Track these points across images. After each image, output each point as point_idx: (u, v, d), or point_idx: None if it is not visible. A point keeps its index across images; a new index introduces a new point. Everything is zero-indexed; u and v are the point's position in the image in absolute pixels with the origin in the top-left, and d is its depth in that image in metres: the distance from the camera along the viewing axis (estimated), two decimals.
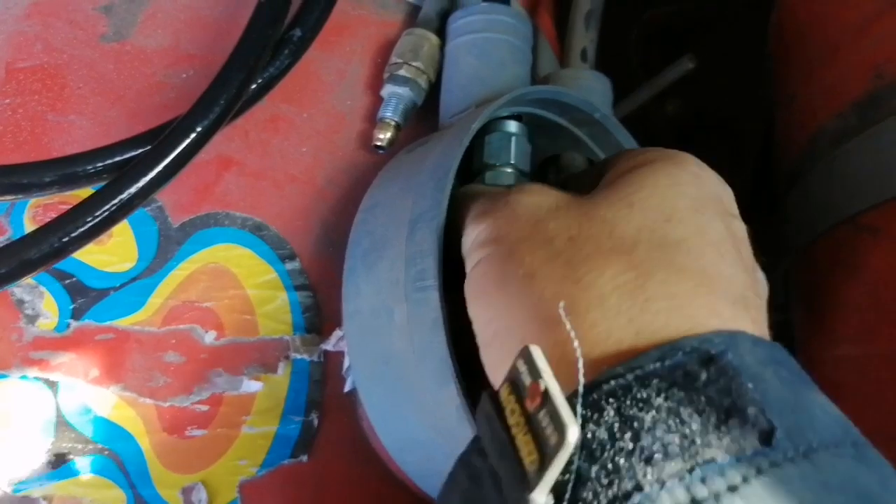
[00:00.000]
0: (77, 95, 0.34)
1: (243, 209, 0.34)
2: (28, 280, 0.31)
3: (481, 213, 0.26)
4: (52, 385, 0.31)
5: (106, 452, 0.31)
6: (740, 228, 0.24)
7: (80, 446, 0.31)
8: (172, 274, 0.32)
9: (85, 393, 0.31)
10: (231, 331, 0.32)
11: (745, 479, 0.16)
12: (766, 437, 0.17)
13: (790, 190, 0.41)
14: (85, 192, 0.30)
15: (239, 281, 0.33)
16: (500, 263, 0.23)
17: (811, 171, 0.39)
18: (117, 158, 0.30)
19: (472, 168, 0.33)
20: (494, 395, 0.19)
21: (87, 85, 0.35)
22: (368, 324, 0.29)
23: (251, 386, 0.32)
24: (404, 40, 0.36)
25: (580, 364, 0.18)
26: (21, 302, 0.32)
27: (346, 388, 0.33)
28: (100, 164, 0.29)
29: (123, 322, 0.32)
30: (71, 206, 0.28)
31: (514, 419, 0.18)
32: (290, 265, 0.33)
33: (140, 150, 0.29)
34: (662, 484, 0.16)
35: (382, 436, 0.30)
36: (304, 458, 0.32)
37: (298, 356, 0.32)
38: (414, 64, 0.35)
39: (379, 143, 0.35)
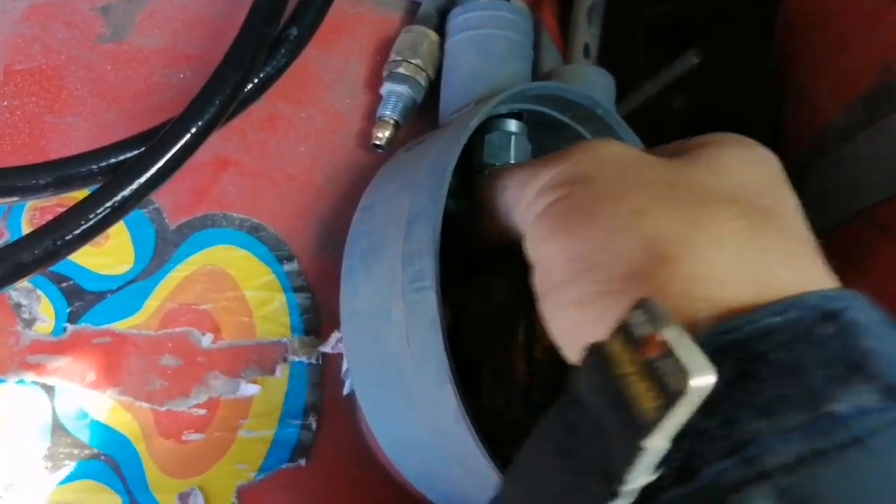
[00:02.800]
0: (75, 97, 0.34)
1: (241, 210, 0.33)
2: (24, 284, 0.31)
3: (554, 157, 0.25)
4: (49, 389, 0.31)
5: (102, 457, 0.31)
6: (798, 201, 0.24)
7: (76, 451, 0.30)
8: (169, 276, 0.32)
9: (81, 397, 0.31)
10: (228, 333, 0.32)
11: (869, 433, 0.16)
12: (889, 394, 0.17)
13: (797, 185, 0.40)
14: (82, 194, 0.29)
15: (236, 283, 0.32)
16: (593, 199, 0.22)
17: (820, 165, 0.38)
18: (112, 160, 0.29)
19: (472, 167, 0.32)
20: (600, 346, 0.18)
21: (84, 86, 0.34)
22: (366, 325, 0.29)
23: (249, 389, 0.31)
24: (403, 38, 0.36)
25: (704, 315, 0.18)
26: (18, 306, 0.31)
27: (345, 391, 0.32)
28: (95, 167, 0.29)
29: (120, 325, 0.31)
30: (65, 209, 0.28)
31: (628, 368, 0.17)
32: (288, 266, 0.33)
33: (135, 152, 0.29)
34: (783, 434, 0.16)
35: (381, 438, 0.30)
36: (303, 462, 0.32)
37: (296, 359, 0.32)
38: (413, 61, 0.35)
39: (378, 142, 0.34)
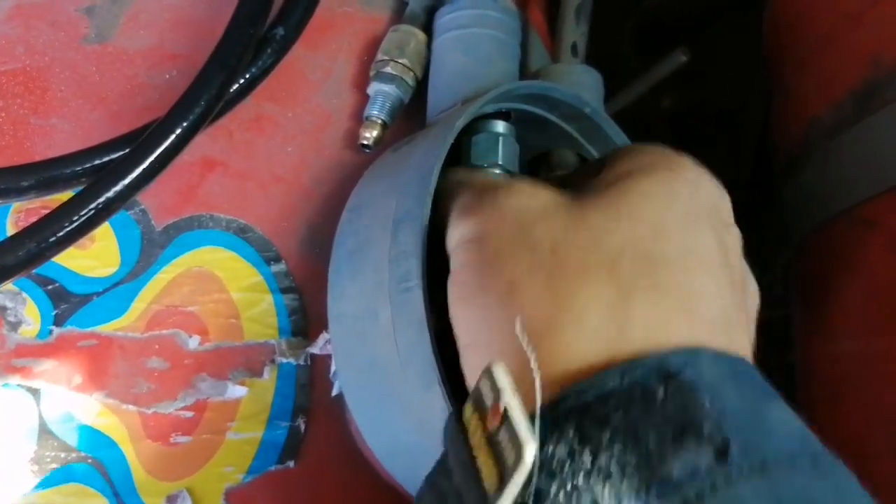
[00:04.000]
0: (59, 98, 0.34)
1: (228, 211, 0.33)
2: (10, 286, 0.31)
3: (468, 208, 0.25)
4: (35, 393, 0.31)
5: (89, 461, 0.30)
6: (733, 239, 0.24)
7: (62, 455, 0.30)
8: (156, 278, 0.32)
9: (68, 400, 0.31)
10: (216, 335, 0.32)
11: (699, 497, 0.16)
12: (722, 453, 0.17)
13: (787, 183, 0.40)
14: (67, 195, 0.29)
15: (223, 284, 0.32)
16: (481, 268, 0.23)
17: (807, 163, 0.38)
18: (97, 161, 0.29)
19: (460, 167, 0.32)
20: (458, 415, 0.19)
21: (69, 88, 0.34)
22: (353, 326, 0.29)
23: (236, 391, 0.31)
24: (390, 37, 0.36)
25: (537, 381, 0.18)
26: (3, 309, 0.31)
27: (334, 393, 0.32)
28: (79, 168, 0.29)
29: (106, 328, 0.31)
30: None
31: (475, 439, 0.18)
32: (275, 267, 0.33)
33: (119, 153, 0.29)
34: (620, 502, 0.16)
35: (370, 440, 0.30)
36: (292, 463, 0.32)
37: (285, 360, 0.32)
38: (400, 61, 0.35)
39: (365, 142, 0.34)
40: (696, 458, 0.17)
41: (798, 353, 0.38)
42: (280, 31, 0.32)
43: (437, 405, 0.25)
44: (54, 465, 0.30)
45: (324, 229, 0.33)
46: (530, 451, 0.16)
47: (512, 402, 0.17)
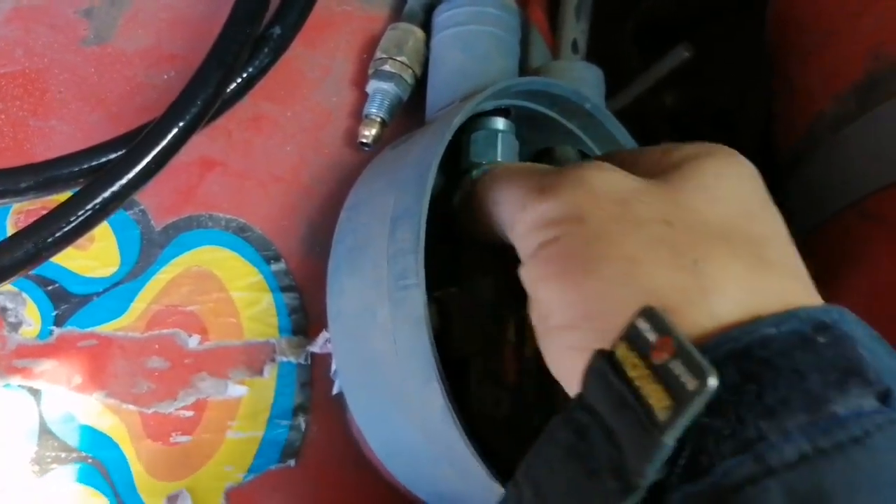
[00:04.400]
0: (58, 100, 0.34)
1: (227, 210, 0.33)
2: (10, 287, 0.31)
3: (544, 188, 0.24)
4: (35, 393, 0.31)
5: (90, 460, 0.30)
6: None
7: (63, 455, 0.30)
8: (155, 278, 0.32)
9: (68, 400, 0.31)
10: (215, 334, 0.32)
11: (867, 433, 0.17)
12: (884, 398, 0.18)
13: (790, 177, 0.40)
14: (66, 196, 0.29)
15: (223, 284, 0.32)
16: (587, 244, 0.22)
17: (811, 158, 0.38)
18: (95, 162, 0.29)
19: (458, 167, 0.32)
20: (607, 353, 0.19)
21: (68, 89, 0.34)
22: (352, 324, 0.29)
23: (236, 390, 0.31)
24: (389, 35, 0.35)
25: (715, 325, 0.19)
26: (4, 310, 0.31)
27: (334, 391, 0.32)
28: (76, 169, 0.29)
29: (106, 328, 0.31)
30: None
31: (637, 371, 0.18)
32: (275, 266, 0.33)
33: (117, 154, 0.29)
34: (786, 434, 0.17)
35: (370, 438, 0.30)
36: (292, 462, 0.32)
37: (285, 359, 0.32)
38: (399, 59, 0.35)
39: (364, 140, 0.34)
40: (860, 400, 0.17)
41: None
42: (277, 29, 0.32)
43: (435, 402, 0.25)
44: (55, 465, 0.30)
45: (323, 228, 0.33)
46: (713, 378, 0.17)
47: (683, 337, 0.18)
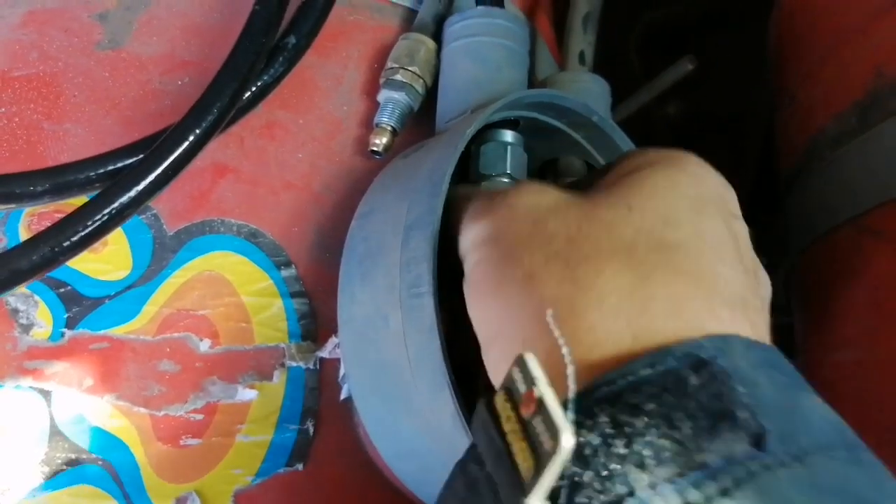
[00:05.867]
0: (72, 104, 0.34)
1: (239, 216, 0.33)
2: (22, 289, 0.31)
3: (480, 211, 0.25)
4: (46, 394, 0.31)
5: (100, 462, 0.31)
6: (742, 229, 0.24)
7: (73, 456, 0.31)
8: (167, 282, 0.32)
9: (79, 402, 0.31)
10: (226, 339, 0.32)
11: (736, 484, 0.16)
12: (758, 441, 0.17)
13: (791, 191, 0.41)
14: (80, 200, 0.30)
15: (234, 289, 0.32)
16: (498, 264, 0.23)
17: (811, 173, 0.38)
18: (111, 167, 0.30)
19: (468, 177, 0.32)
20: (490, 403, 0.19)
21: (82, 93, 0.35)
22: (363, 331, 0.29)
23: (246, 394, 0.31)
24: (400, 45, 0.36)
25: (571, 371, 0.18)
26: (15, 311, 0.32)
27: (342, 396, 0.33)
28: (93, 173, 0.29)
29: (118, 331, 0.32)
30: (64, 216, 0.28)
31: (509, 426, 0.18)
32: (285, 272, 0.33)
33: (133, 159, 0.29)
34: (655, 488, 0.16)
35: (378, 444, 0.30)
36: (300, 466, 0.32)
37: (294, 364, 0.32)
38: (410, 69, 0.35)
39: (375, 149, 0.34)
40: (732, 446, 0.17)
41: (800, 360, 0.38)
42: (292, 39, 0.32)
43: (446, 409, 0.25)
44: (65, 467, 0.30)
45: (334, 235, 0.34)
46: (567, 438, 0.16)
47: (546, 390, 0.17)
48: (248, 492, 0.31)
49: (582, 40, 0.41)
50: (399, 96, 0.35)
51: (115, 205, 0.27)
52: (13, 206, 0.29)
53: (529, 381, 0.17)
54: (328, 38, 0.35)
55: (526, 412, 0.17)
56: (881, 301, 0.32)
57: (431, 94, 0.36)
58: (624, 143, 0.34)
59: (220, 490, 0.31)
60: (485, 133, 0.33)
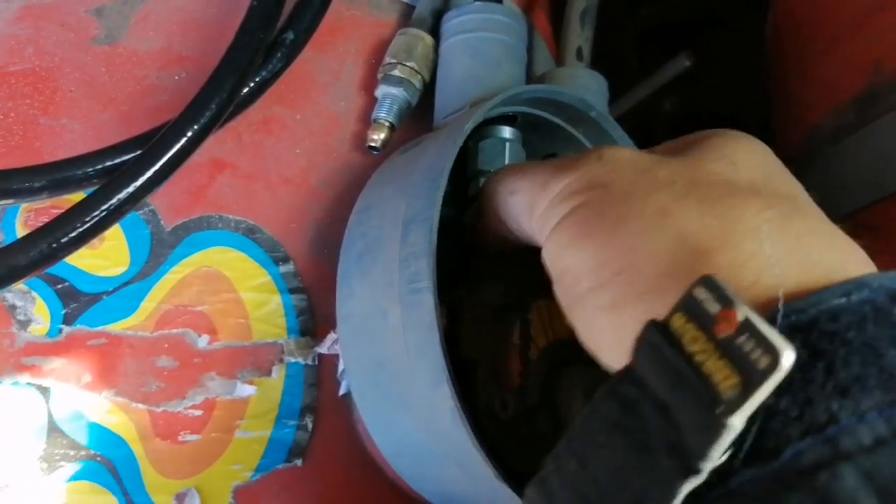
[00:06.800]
0: (69, 99, 0.34)
1: (236, 212, 0.33)
2: (19, 285, 0.31)
3: (565, 166, 0.24)
4: (44, 391, 0.31)
5: (98, 458, 0.31)
6: None
7: (72, 452, 0.30)
8: (165, 278, 0.32)
9: (77, 399, 0.31)
10: (224, 335, 0.32)
11: None
12: None
13: None
14: (77, 196, 0.29)
15: (232, 284, 0.32)
16: (615, 203, 0.22)
17: (809, 168, 0.38)
18: (109, 163, 0.30)
19: (466, 173, 0.32)
20: (662, 324, 0.18)
21: (78, 88, 0.34)
22: (362, 326, 0.29)
23: (245, 390, 0.31)
24: (398, 40, 0.36)
25: (781, 292, 0.17)
26: (13, 307, 0.31)
27: (341, 392, 0.33)
28: (91, 169, 0.29)
29: (116, 327, 0.31)
30: (61, 211, 0.28)
31: (697, 346, 0.17)
32: (283, 268, 0.33)
33: (131, 155, 0.29)
34: (861, 416, 0.16)
35: (377, 439, 0.30)
36: (299, 462, 0.32)
37: (293, 360, 0.32)
38: (408, 64, 0.35)
39: (373, 144, 0.34)
40: None
41: None
42: (290, 35, 0.32)
43: (445, 405, 0.25)
44: (63, 463, 0.30)
45: (332, 230, 0.34)
46: (789, 354, 0.15)
47: (750, 310, 0.16)
48: (248, 488, 0.31)
49: (579, 36, 0.41)
50: (397, 92, 0.35)
51: (114, 201, 0.27)
52: (11, 202, 0.29)
53: (724, 301, 0.17)
54: (326, 34, 0.35)
55: (723, 331, 0.16)
56: None
57: (429, 89, 0.36)
58: (622, 139, 0.34)
59: (219, 486, 0.31)
60: (482, 129, 0.33)
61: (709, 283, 0.17)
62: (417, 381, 0.27)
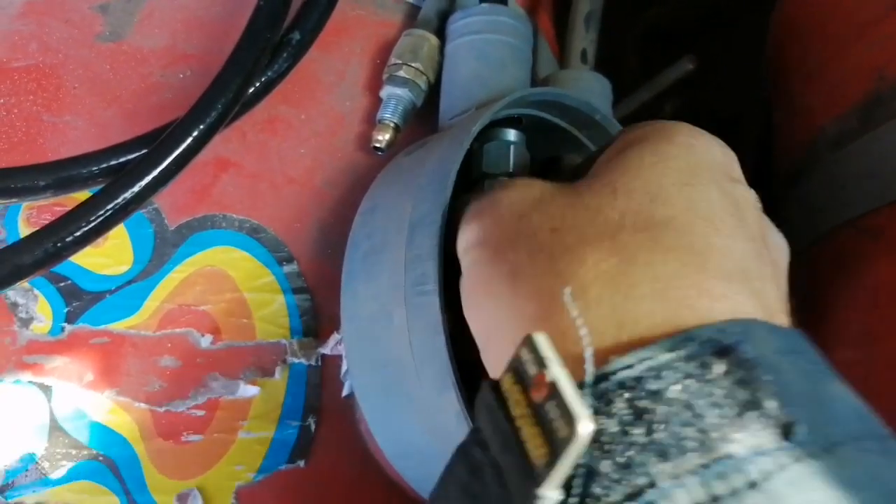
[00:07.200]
0: (73, 96, 0.34)
1: (240, 211, 0.33)
2: (23, 284, 0.31)
3: (472, 214, 0.25)
4: (46, 389, 0.31)
5: (100, 458, 0.30)
6: (744, 192, 0.23)
7: (74, 452, 0.30)
8: (169, 277, 0.32)
9: (79, 397, 0.31)
10: (228, 334, 0.32)
11: (766, 475, 0.16)
12: (787, 432, 0.16)
13: (789, 192, 0.41)
14: (82, 195, 0.29)
15: (236, 284, 0.32)
16: (486, 264, 0.23)
17: (811, 173, 0.38)
18: (114, 162, 0.29)
19: (471, 175, 0.32)
20: (496, 385, 0.18)
21: (82, 85, 0.34)
22: (367, 328, 0.29)
23: (248, 390, 0.31)
24: (403, 41, 0.36)
25: (589, 353, 0.17)
26: (15, 305, 0.31)
27: (344, 393, 0.33)
28: (96, 168, 0.29)
29: (119, 326, 0.31)
30: (66, 210, 0.27)
31: (518, 410, 0.17)
32: (287, 268, 0.33)
33: (136, 154, 0.29)
34: (677, 479, 0.16)
35: (380, 441, 0.30)
36: (302, 463, 0.32)
37: (296, 360, 0.32)
38: (413, 65, 0.35)
39: (378, 145, 0.34)
40: (760, 436, 0.16)
41: None
42: (296, 35, 0.32)
43: (451, 408, 0.25)
44: (65, 462, 0.30)
45: (335, 231, 0.34)
46: (585, 424, 0.15)
47: (560, 373, 0.16)
48: (250, 488, 0.31)
49: (584, 38, 0.41)
50: (402, 92, 0.35)
51: (119, 200, 0.27)
52: (15, 200, 0.29)
53: (540, 362, 0.16)
54: (331, 34, 0.35)
55: (537, 396, 0.16)
56: (880, 303, 0.33)
57: (434, 90, 0.36)
58: None
59: (221, 486, 0.31)
60: (487, 131, 0.33)
61: (530, 343, 0.17)
62: (422, 384, 0.27)
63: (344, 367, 0.33)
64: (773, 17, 0.45)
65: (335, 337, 0.33)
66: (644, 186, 0.21)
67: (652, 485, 0.16)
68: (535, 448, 0.16)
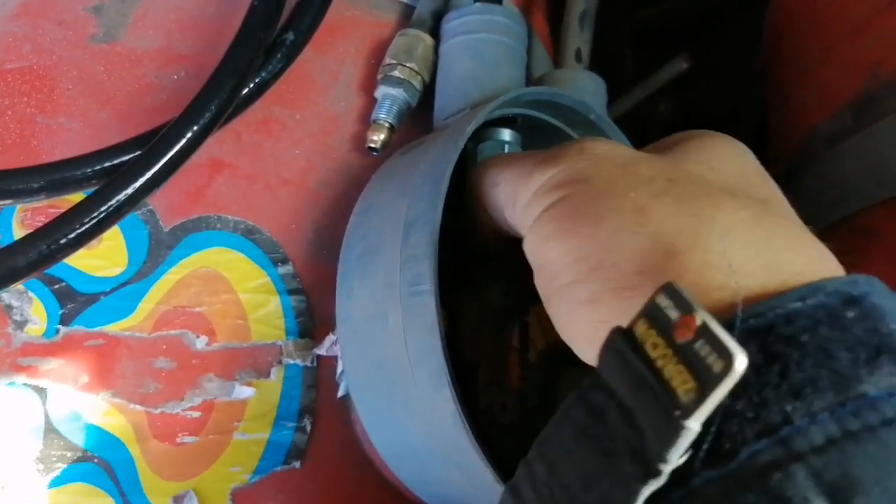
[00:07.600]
0: (67, 97, 0.34)
1: (235, 212, 0.33)
2: (17, 286, 0.31)
3: (548, 158, 0.25)
4: (41, 392, 0.31)
5: (95, 460, 0.30)
6: None
7: (68, 454, 0.30)
8: (163, 278, 0.32)
9: (74, 400, 0.31)
10: (223, 336, 0.32)
11: None
12: None
13: (784, 190, 0.41)
14: (76, 196, 0.29)
15: (231, 285, 0.32)
16: (594, 199, 0.22)
17: (805, 172, 0.39)
18: (108, 164, 0.29)
19: (464, 175, 0.32)
20: (626, 330, 0.18)
21: (76, 86, 0.34)
22: (362, 328, 0.29)
23: (243, 392, 0.31)
24: (398, 41, 0.36)
25: (739, 294, 0.18)
26: (9, 307, 0.31)
27: (340, 394, 0.33)
28: (90, 170, 0.29)
29: (113, 328, 0.31)
30: (60, 211, 0.27)
31: (658, 351, 0.17)
32: (282, 269, 0.33)
33: (130, 156, 0.29)
34: (813, 417, 0.16)
35: (376, 442, 0.30)
36: (297, 464, 0.32)
37: (291, 361, 0.32)
38: (408, 65, 0.35)
39: (373, 145, 0.34)
40: (892, 379, 0.17)
41: None
42: (290, 35, 0.32)
43: (446, 408, 0.25)
44: (60, 465, 0.30)
45: (331, 231, 0.34)
46: (741, 359, 0.16)
47: (708, 316, 0.17)
48: (246, 490, 0.31)
49: (578, 38, 0.41)
50: (397, 93, 0.35)
51: (113, 202, 0.27)
52: (9, 202, 0.29)
53: (685, 307, 0.17)
54: (325, 34, 0.35)
55: (683, 337, 0.17)
56: None
57: (429, 90, 0.36)
58: (621, 141, 0.35)
59: (217, 488, 0.31)
60: (482, 131, 0.33)
61: (670, 290, 0.18)
62: (418, 384, 0.27)
63: (339, 368, 0.33)
64: (767, 15, 0.45)
65: (330, 338, 0.33)
66: (735, 169, 0.23)
67: (787, 421, 0.16)
68: (682, 384, 0.16)
